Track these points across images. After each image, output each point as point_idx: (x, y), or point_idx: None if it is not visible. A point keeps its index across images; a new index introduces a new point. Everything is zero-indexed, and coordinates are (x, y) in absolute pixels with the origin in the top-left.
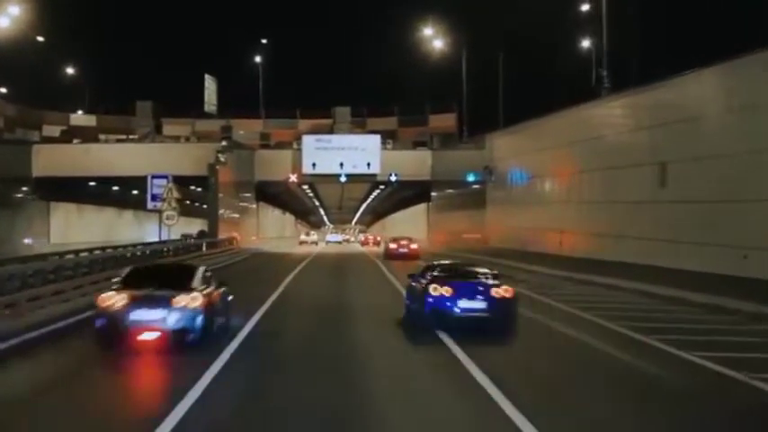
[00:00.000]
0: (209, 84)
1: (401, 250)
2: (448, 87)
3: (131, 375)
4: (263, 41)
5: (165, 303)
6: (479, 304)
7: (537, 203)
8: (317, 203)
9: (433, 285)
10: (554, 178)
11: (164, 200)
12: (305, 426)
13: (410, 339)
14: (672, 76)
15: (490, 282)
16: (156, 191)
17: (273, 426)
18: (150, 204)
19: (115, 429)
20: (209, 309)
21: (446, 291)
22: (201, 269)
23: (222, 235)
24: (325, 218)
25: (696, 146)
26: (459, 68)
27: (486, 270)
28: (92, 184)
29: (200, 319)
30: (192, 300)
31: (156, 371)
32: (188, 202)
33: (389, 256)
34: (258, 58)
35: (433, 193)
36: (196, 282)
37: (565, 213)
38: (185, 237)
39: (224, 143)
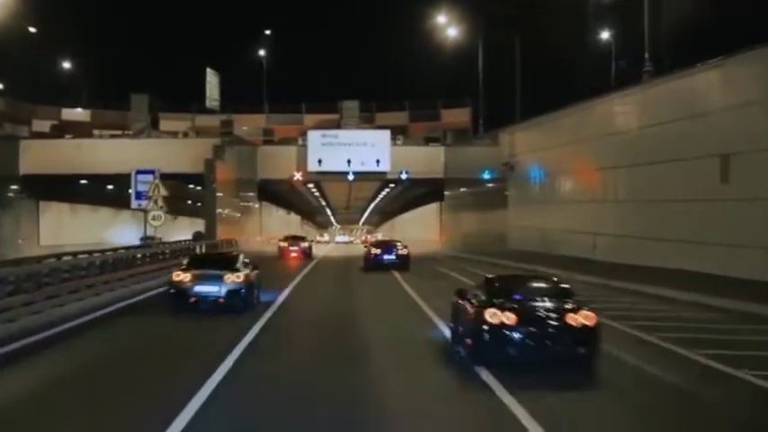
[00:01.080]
0: (211, 78)
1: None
2: (461, 81)
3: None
4: (267, 33)
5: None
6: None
7: (565, 202)
8: (324, 203)
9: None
10: (586, 174)
11: (149, 198)
12: None
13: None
14: (741, 50)
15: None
16: (141, 188)
17: None
18: (134, 203)
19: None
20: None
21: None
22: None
23: (221, 236)
24: (332, 218)
25: None
26: (474, 61)
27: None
28: (83, 182)
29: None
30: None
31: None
32: (189, 202)
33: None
34: (262, 52)
35: (447, 192)
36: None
37: (599, 213)
38: (145, 240)
39: (223, 138)
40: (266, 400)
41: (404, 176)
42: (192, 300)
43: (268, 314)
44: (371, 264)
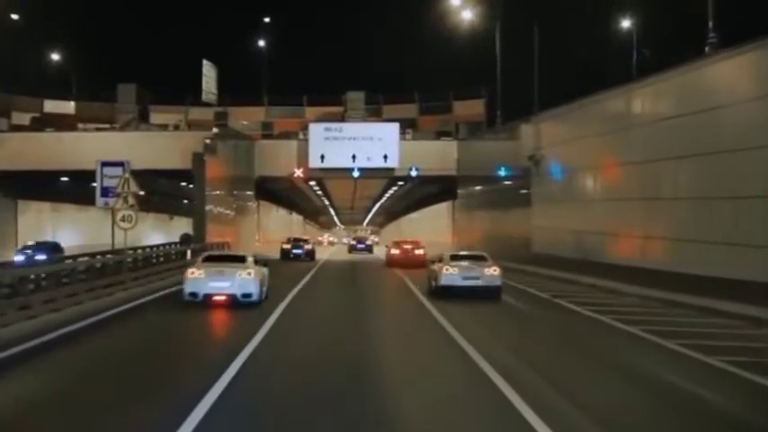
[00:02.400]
0: (208, 71)
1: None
2: (475, 70)
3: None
4: (266, 20)
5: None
6: None
7: (605, 200)
8: (327, 202)
9: None
10: (632, 168)
11: (118, 195)
12: None
13: None
14: None
15: None
16: (107, 183)
17: None
18: (100, 201)
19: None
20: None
21: None
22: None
23: (212, 239)
24: (335, 218)
25: None
26: (489, 49)
27: None
28: (64, 179)
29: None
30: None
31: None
32: (186, 201)
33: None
34: (261, 42)
35: (460, 190)
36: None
37: (650, 213)
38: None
39: (216, 130)
40: None
41: (414, 173)
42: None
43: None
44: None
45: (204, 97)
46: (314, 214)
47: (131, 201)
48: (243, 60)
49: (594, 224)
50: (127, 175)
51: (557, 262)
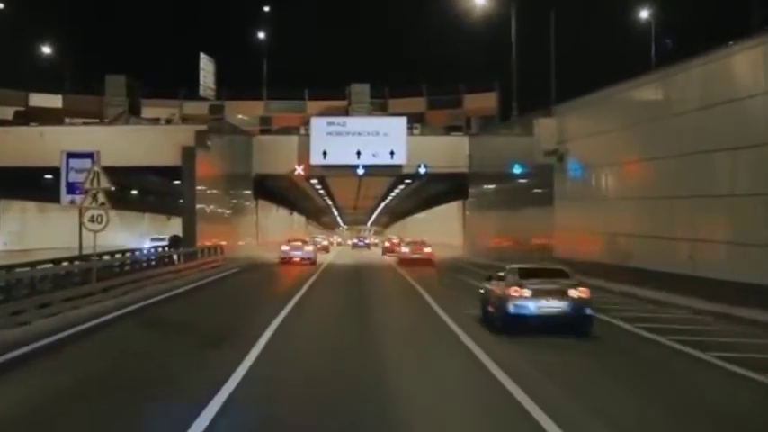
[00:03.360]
0: (206, 64)
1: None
2: (487, 62)
3: None
4: (266, 9)
5: None
6: None
7: (643, 199)
8: (330, 202)
9: None
10: (676, 161)
11: (86, 192)
12: None
13: None
14: None
15: None
16: (74, 178)
17: None
18: (65, 199)
19: None
20: None
21: None
22: None
23: (205, 240)
24: (338, 218)
25: None
26: (502, 38)
27: None
28: (48, 177)
29: None
30: None
31: None
32: (182, 201)
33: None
34: (261, 34)
35: (472, 189)
36: None
37: (699, 213)
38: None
39: (209, 124)
40: None
41: (422, 171)
42: None
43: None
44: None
45: (202, 92)
46: (316, 214)
47: (102, 198)
48: (241, 53)
49: (628, 226)
50: (96, 169)
51: (585, 267)
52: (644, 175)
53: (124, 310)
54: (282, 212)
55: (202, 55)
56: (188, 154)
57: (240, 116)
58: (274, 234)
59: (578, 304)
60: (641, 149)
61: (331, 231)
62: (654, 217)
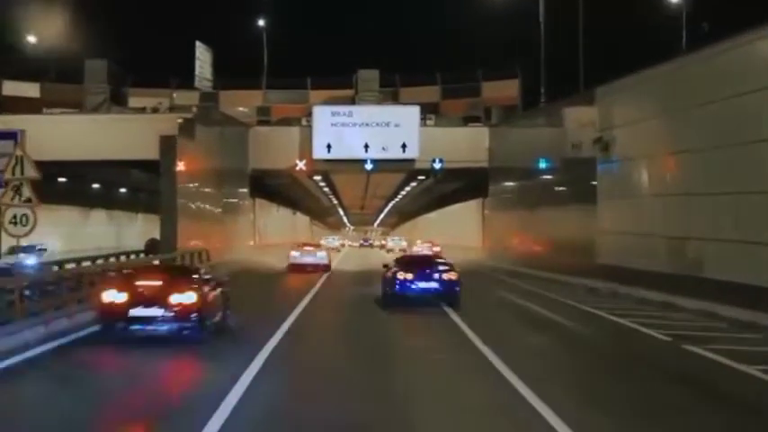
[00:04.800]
0: (202, 54)
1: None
2: (507, 47)
3: None
4: None
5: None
6: None
7: (723, 195)
8: (335, 201)
9: None
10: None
11: (6, 184)
12: None
13: None
14: None
15: None
16: None
17: None
18: None
19: None
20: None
21: None
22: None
23: (189, 243)
24: (344, 219)
25: None
26: (522, 20)
27: None
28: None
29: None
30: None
31: None
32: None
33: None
34: (261, 22)
35: (492, 186)
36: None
37: None
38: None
39: (197, 111)
40: None
41: (437, 166)
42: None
43: None
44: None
45: (198, 83)
46: (321, 215)
47: (27, 193)
48: (240, 41)
49: (704, 227)
50: (20, 153)
51: (638, 276)
52: (724, 165)
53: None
54: (284, 212)
55: (198, 44)
56: (167, 144)
57: (241, 108)
58: (275, 236)
59: None
60: (720, 133)
61: (337, 232)
62: (738, 217)
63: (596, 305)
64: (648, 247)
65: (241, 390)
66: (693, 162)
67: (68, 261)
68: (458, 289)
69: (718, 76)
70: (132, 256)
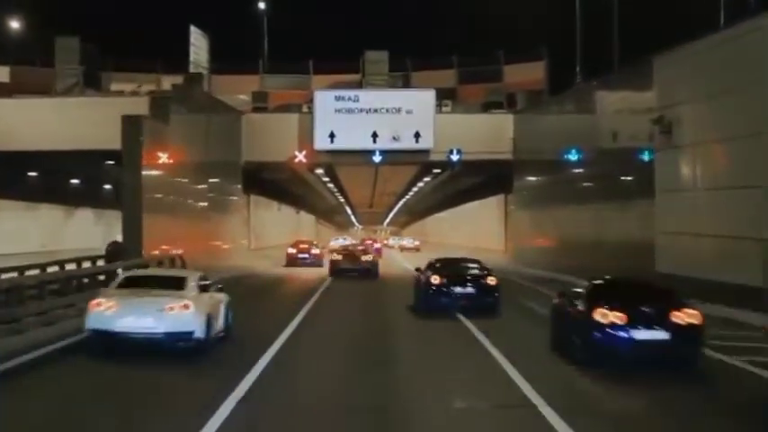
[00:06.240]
0: (197, 39)
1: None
2: (531, 25)
3: None
4: None
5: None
6: None
7: None
8: (341, 199)
9: None
10: None
11: None
12: None
13: None
14: None
15: None
16: None
17: None
18: None
19: None
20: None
21: None
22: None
23: (163, 247)
24: (353, 218)
25: None
26: None
27: None
28: None
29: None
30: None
31: None
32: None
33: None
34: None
35: (518, 181)
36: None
37: None
38: None
39: (174, 90)
40: None
41: (454, 158)
42: None
43: None
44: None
45: (192, 70)
46: (328, 214)
47: None
48: (236, 22)
49: None
50: None
51: (720, 290)
52: None
53: None
54: (287, 211)
55: (193, 28)
56: (131, 125)
57: (242, 96)
58: (275, 236)
59: None
60: None
61: (345, 232)
62: None
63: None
64: (734, 252)
65: None
66: None
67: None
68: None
69: None
70: (85, 264)
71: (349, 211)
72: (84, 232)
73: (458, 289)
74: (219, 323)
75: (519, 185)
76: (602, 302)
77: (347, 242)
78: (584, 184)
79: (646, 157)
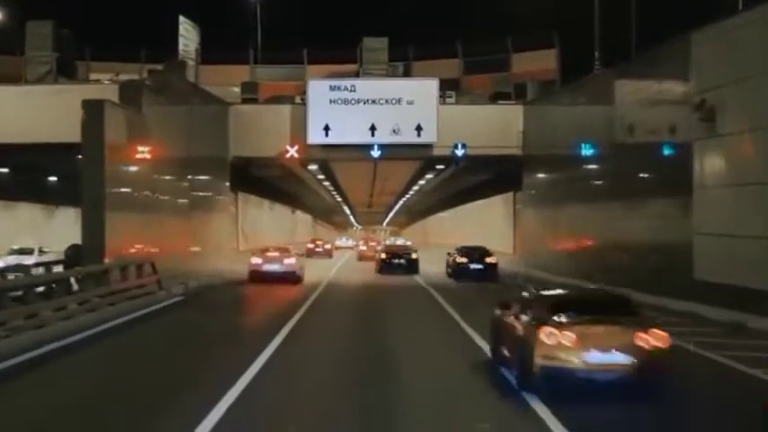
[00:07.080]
0: (187, 31)
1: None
2: (540, 9)
3: None
4: None
5: None
6: None
7: None
8: (338, 197)
9: None
10: None
11: None
12: None
13: None
14: None
15: None
16: None
17: None
18: None
19: None
20: None
21: None
22: None
23: (129, 249)
24: (351, 218)
25: None
26: None
27: None
28: None
29: None
30: None
31: None
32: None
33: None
34: None
35: (528, 178)
36: None
37: None
38: None
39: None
40: None
41: (459, 153)
42: None
43: None
44: None
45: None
46: (326, 213)
47: None
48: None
49: None
50: None
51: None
52: None
53: None
54: (281, 210)
55: (182, 19)
56: (92, 111)
57: (234, 88)
58: (268, 237)
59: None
60: None
61: (344, 232)
62: None
63: (734, 351)
64: None
65: None
66: None
67: None
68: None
69: None
70: (40, 269)
71: (347, 210)
72: (65, 233)
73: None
74: None
75: (529, 182)
76: (459, 255)
77: (350, 242)
78: (606, 179)
79: (673, 150)
